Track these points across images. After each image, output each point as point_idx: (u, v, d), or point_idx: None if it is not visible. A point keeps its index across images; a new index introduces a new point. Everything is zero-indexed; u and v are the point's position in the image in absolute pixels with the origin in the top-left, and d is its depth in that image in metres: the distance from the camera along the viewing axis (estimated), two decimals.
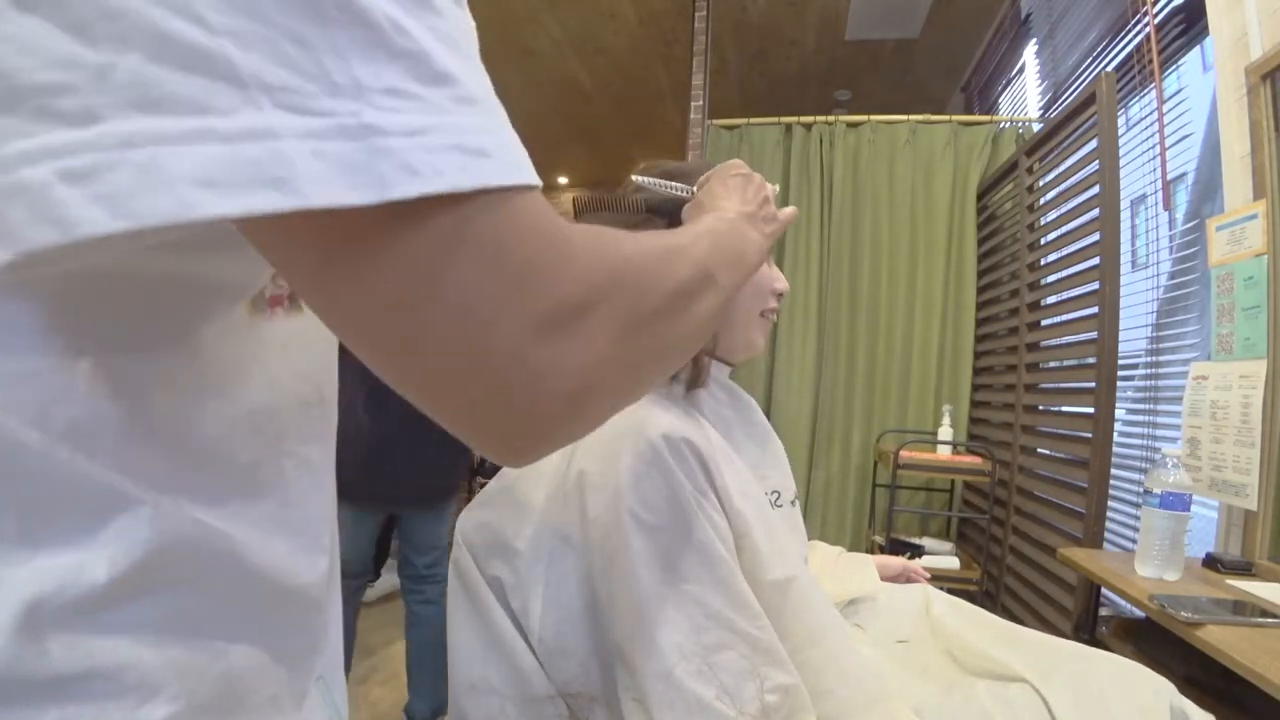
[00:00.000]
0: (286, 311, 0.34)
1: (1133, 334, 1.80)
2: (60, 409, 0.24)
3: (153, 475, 0.27)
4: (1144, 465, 1.74)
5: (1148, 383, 1.79)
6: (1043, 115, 2.52)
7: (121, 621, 0.25)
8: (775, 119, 2.72)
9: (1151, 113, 1.76)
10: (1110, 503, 1.64)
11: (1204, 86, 1.58)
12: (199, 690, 0.27)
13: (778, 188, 0.60)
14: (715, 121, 2.77)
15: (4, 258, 0.19)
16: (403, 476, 1.74)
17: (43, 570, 0.24)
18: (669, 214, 0.65)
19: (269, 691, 0.31)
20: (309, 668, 0.35)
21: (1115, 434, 1.63)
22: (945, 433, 2.27)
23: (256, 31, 0.19)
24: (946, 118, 2.60)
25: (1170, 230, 1.76)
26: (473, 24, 0.27)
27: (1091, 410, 1.63)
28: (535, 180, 0.25)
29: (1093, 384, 1.64)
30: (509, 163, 0.24)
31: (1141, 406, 1.79)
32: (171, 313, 0.28)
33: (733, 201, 0.55)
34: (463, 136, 0.23)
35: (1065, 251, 1.86)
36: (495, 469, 0.75)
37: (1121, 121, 1.81)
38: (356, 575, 1.83)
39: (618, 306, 0.28)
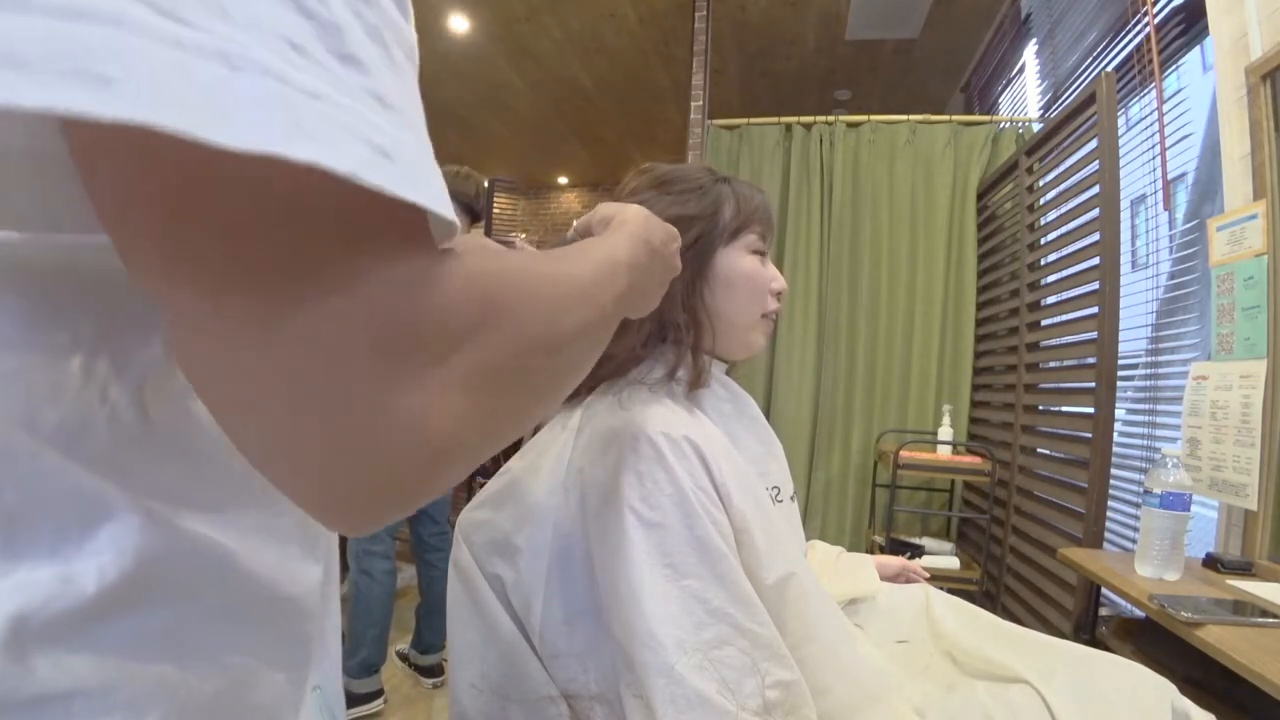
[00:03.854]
0: None
1: (1133, 334, 1.80)
2: (50, 410, 0.23)
3: (143, 481, 0.25)
4: (1144, 465, 1.74)
5: (1148, 383, 1.79)
6: (1043, 115, 2.52)
7: (110, 636, 0.24)
8: (775, 119, 2.72)
9: (1151, 113, 1.76)
10: (1110, 503, 1.64)
11: (1204, 86, 1.58)
12: (190, 708, 0.26)
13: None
14: (715, 121, 2.77)
15: None
16: None
17: (27, 583, 0.22)
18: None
19: (264, 705, 0.30)
20: (304, 678, 0.34)
21: (1115, 434, 1.63)
22: (945, 433, 2.27)
23: None
24: (946, 118, 2.60)
25: (1170, 230, 1.76)
26: (414, 39, 0.24)
27: (1091, 410, 1.63)
28: (450, 215, 0.22)
29: (1093, 384, 1.64)
30: (422, 182, 0.20)
31: (1141, 406, 1.79)
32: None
33: (654, 231, 0.46)
34: (368, 129, 0.19)
35: (1065, 251, 1.86)
36: (495, 469, 0.75)
37: (1121, 121, 1.81)
38: (392, 537, 2.00)
39: (498, 357, 0.24)
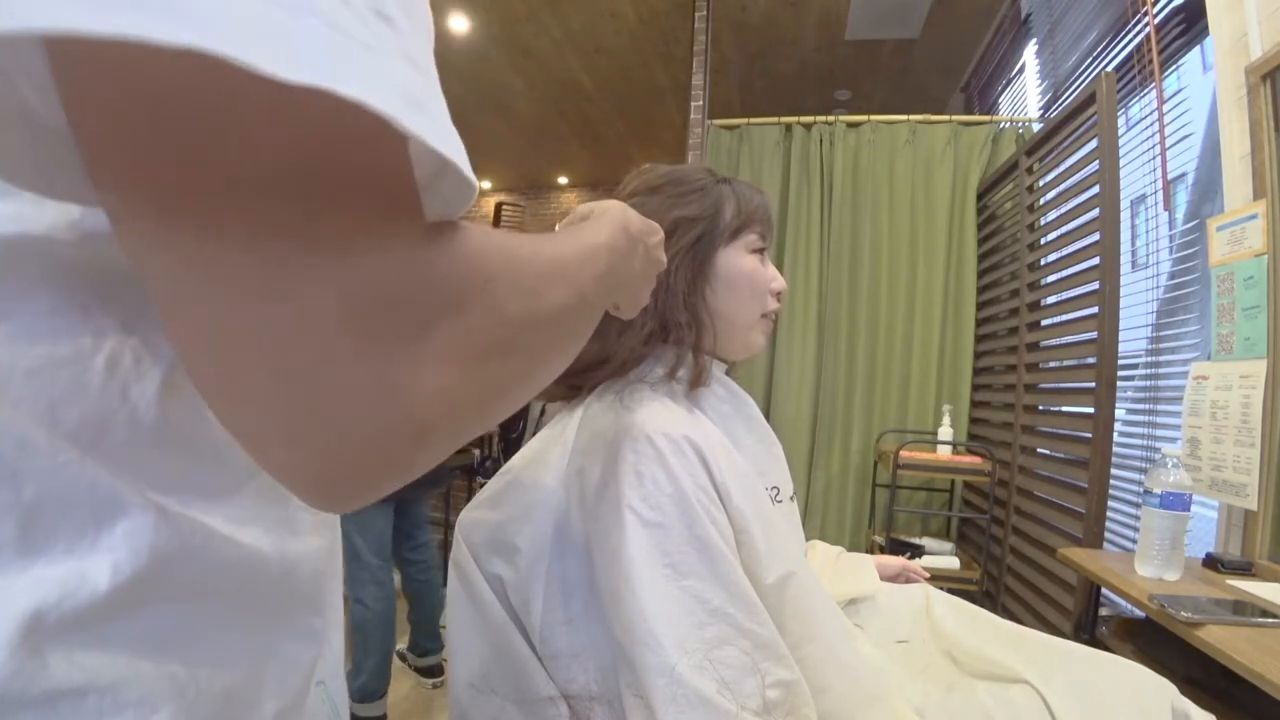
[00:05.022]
0: None
1: (1133, 334, 1.80)
2: (72, 408, 0.23)
3: (157, 477, 0.26)
4: (1144, 465, 1.74)
5: (1148, 383, 1.79)
6: (1043, 115, 2.52)
7: (121, 634, 0.24)
8: (775, 119, 2.72)
9: (1151, 113, 1.76)
10: (1110, 503, 1.64)
11: (1204, 86, 1.58)
12: (201, 705, 0.26)
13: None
14: (715, 121, 2.77)
15: None
16: None
17: (43, 580, 0.22)
18: None
19: (270, 702, 0.30)
20: (311, 674, 0.34)
21: (1115, 434, 1.63)
22: (945, 433, 2.27)
23: None
24: (946, 118, 2.60)
25: (1170, 230, 1.76)
26: (429, 13, 0.25)
27: (1091, 410, 1.63)
28: (471, 175, 0.22)
29: (1093, 384, 1.64)
30: (448, 137, 0.21)
31: (1141, 406, 1.79)
32: None
33: (632, 220, 0.46)
34: (406, 80, 0.19)
35: (1065, 251, 1.86)
36: (495, 469, 0.75)
37: (1121, 121, 1.81)
38: (384, 561, 2.01)
39: (482, 330, 0.24)
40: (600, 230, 0.40)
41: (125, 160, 0.18)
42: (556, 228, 0.51)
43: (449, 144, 0.21)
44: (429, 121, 0.19)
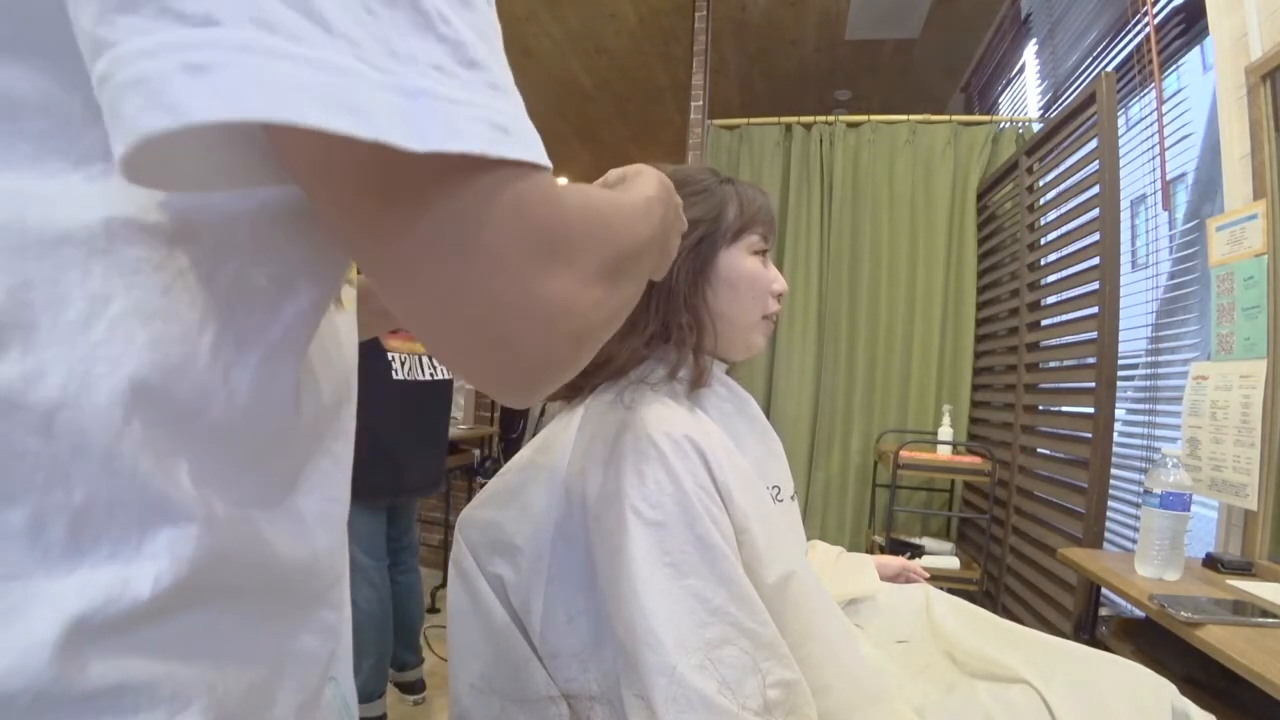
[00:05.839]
0: (336, 307, 0.35)
1: (1133, 334, 1.80)
2: (180, 382, 0.25)
3: (220, 472, 0.27)
4: (1144, 465, 1.74)
5: (1148, 383, 1.79)
6: (1043, 115, 2.52)
7: (159, 637, 0.25)
8: (775, 119, 2.72)
9: (1151, 113, 1.76)
10: (1110, 503, 1.64)
11: (1204, 86, 1.58)
12: (228, 701, 0.27)
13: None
14: (715, 121, 2.77)
15: (119, 150, 0.20)
16: (417, 467, 1.95)
17: (87, 584, 0.23)
18: None
19: (290, 696, 0.31)
20: (325, 668, 0.35)
21: (1115, 434, 1.63)
22: (945, 433, 2.27)
23: None
24: (946, 118, 2.60)
25: (1170, 230, 1.76)
26: (498, 22, 0.29)
27: (1091, 410, 1.63)
28: (547, 162, 0.28)
29: (1093, 384, 1.64)
30: (529, 142, 0.27)
31: (1141, 406, 1.79)
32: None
33: (663, 177, 0.53)
34: (492, 114, 0.25)
35: (1065, 251, 1.86)
36: (495, 469, 0.75)
37: (1121, 121, 1.81)
38: (378, 562, 1.99)
39: (607, 257, 0.32)
40: (648, 184, 0.47)
41: (343, 204, 0.26)
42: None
43: (530, 149, 0.27)
44: (510, 140, 0.26)
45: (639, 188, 0.46)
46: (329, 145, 0.22)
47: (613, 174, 0.55)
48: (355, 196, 0.25)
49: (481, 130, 0.25)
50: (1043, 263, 2.02)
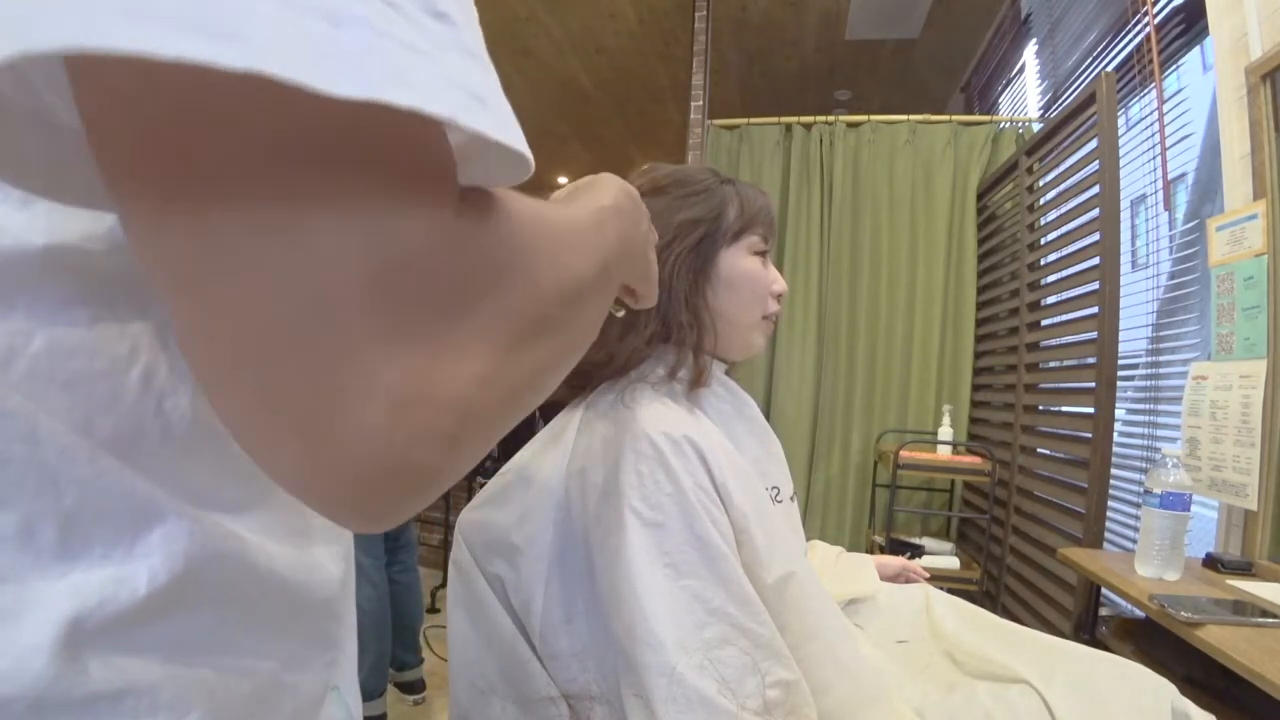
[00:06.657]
0: None
1: (1133, 334, 1.80)
2: (106, 418, 0.24)
3: (190, 488, 0.26)
4: (1144, 465, 1.74)
5: (1148, 383, 1.79)
6: (1043, 115, 2.52)
7: (156, 639, 0.24)
8: (775, 119, 2.72)
9: (1151, 113, 1.76)
10: (1110, 503, 1.64)
11: (1204, 86, 1.58)
12: (227, 708, 0.27)
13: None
14: (715, 121, 2.77)
15: None
16: None
17: (82, 585, 0.22)
18: None
19: (292, 705, 0.31)
20: (326, 677, 0.34)
21: (1115, 434, 1.63)
22: (945, 433, 2.27)
23: None
24: (946, 118, 2.60)
25: (1170, 230, 1.76)
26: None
27: (1091, 410, 1.63)
28: (530, 161, 0.22)
29: (1093, 384, 1.64)
30: (507, 125, 0.20)
31: (1141, 406, 1.79)
32: None
33: (627, 185, 0.42)
34: (462, 76, 0.19)
35: (1065, 251, 1.86)
36: (495, 469, 0.75)
37: (1121, 121, 1.81)
38: (376, 560, 1.98)
39: (512, 303, 0.22)
40: (603, 193, 0.37)
41: (134, 147, 0.18)
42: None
43: (509, 132, 0.20)
44: (488, 113, 0.19)
45: (593, 198, 0.35)
46: (148, 74, 0.16)
47: (566, 187, 0.43)
48: (130, 160, 0.18)
49: (453, 94, 0.18)
50: (1043, 263, 2.02)
